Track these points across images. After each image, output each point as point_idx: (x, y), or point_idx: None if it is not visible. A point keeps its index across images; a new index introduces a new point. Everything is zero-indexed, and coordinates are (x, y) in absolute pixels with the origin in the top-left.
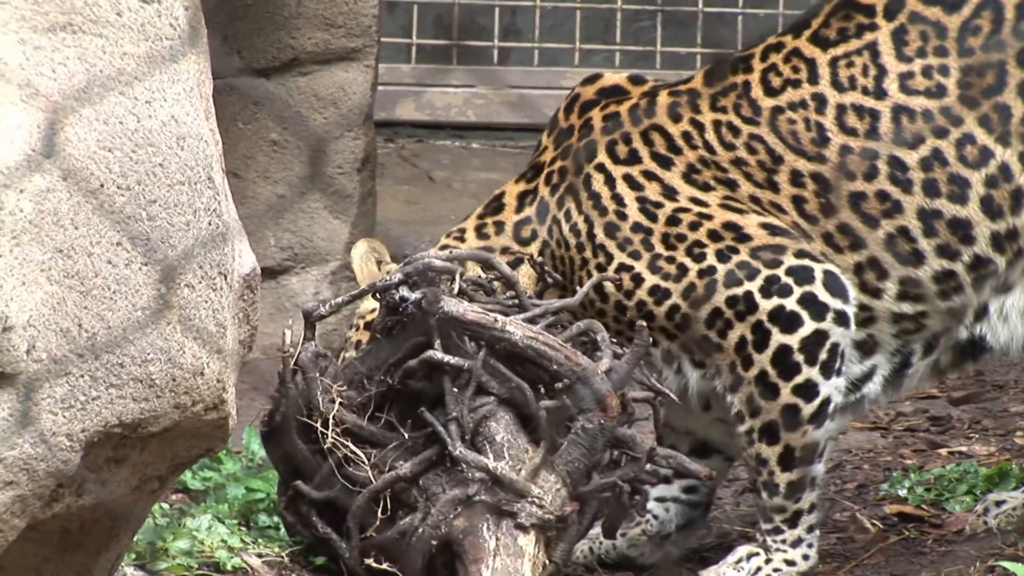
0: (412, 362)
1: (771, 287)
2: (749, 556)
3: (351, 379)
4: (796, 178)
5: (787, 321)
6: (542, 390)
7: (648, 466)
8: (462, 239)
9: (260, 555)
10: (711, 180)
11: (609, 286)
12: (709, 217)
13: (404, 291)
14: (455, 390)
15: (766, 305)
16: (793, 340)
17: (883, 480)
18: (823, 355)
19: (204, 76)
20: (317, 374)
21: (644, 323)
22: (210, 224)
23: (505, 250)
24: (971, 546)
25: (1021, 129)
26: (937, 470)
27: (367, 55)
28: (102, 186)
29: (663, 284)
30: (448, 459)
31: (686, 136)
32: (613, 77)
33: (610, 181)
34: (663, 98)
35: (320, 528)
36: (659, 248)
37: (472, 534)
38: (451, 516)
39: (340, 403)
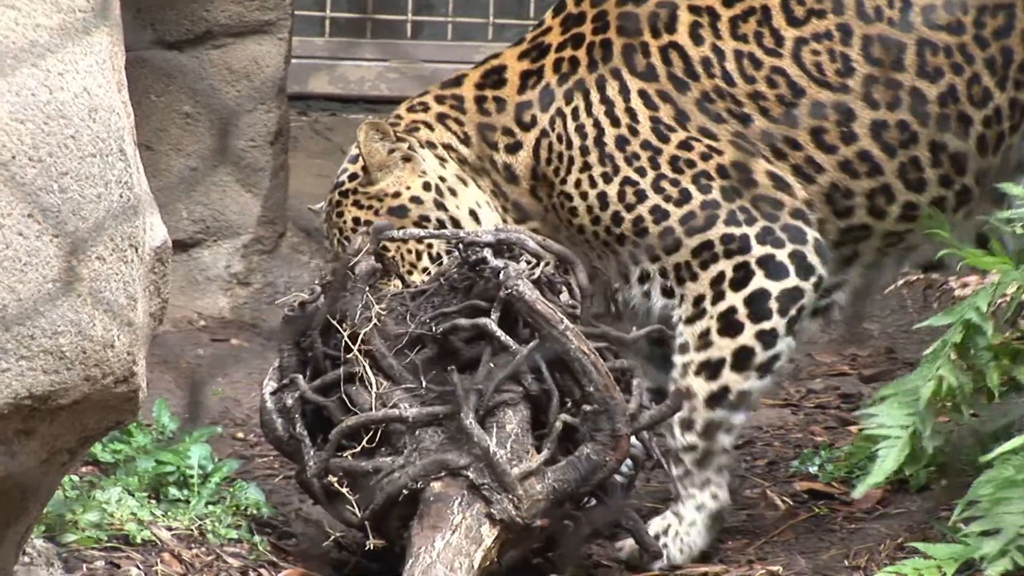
0: (464, 321)
1: (767, 236)
2: (665, 530)
3: (393, 308)
4: (818, 109)
5: (774, 269)
6: (568, 403)
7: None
8: (461, 108)
9: (170, 528)
10: (724, 112)
11: (612, 194)
12: (720, 152)
13: (489, 253)
14: (492, 365)
15: (758, 251)
16: (775, 288)
17: (793, 457)
18: (793, 311)
19: (117, 48)
20: (366, 288)
21: (684, 389)
22: (121, 196)
23: (506, 131)
24: (881, 524)
25: (1017, 75)
26: (847, 447)
27: (280, 28)
28: (13, 158)
29: (664, 205)
30: (454, 424)
31: (705, 63)
32: None
33: (625, 91)
34: (684, 14)
35: (298, 428)
36: (665, 169)
37: (442, 502)
38: (432, 476)
39: (375, 325)
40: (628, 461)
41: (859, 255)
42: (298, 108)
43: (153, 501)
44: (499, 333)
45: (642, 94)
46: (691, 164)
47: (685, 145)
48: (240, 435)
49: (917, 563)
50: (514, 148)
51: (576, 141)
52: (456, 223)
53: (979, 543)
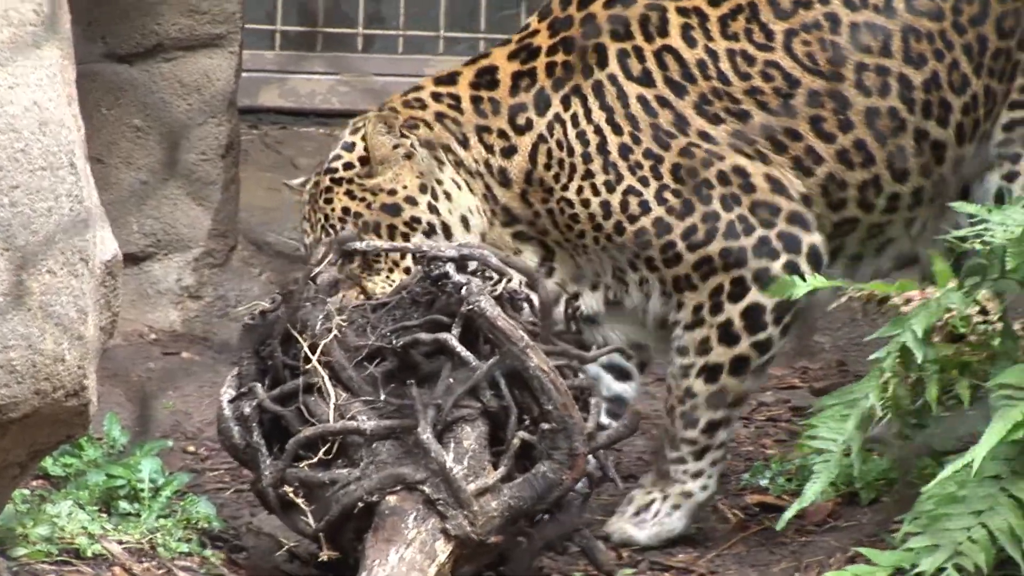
0: (425, 335)
1: (762, 248)
2: (648, 504)
3: (354, 320)
4: (814, 98)
5: (768, 282)
6: (526, 420)
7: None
8: (459, 108)
9: (120, 542)
10: (722, 112)
11: (615, 204)
12: (720, 157)
13: (451, 268)
14: (451, 380)
15: (754, 264)
16: (769, 301)
17: (744, 470)
18: (787, 319)
19: (67, 62)
20: (327, 300)
21: (640, 410)
22: (72, 210)
23: (501, 133)
24: (831, 537)
25: (991, 63)
26: (798, 460)
27: (231, 41)
28: None
29: (667, 218)
30: (411, 438)
31: (701, 65)
32: None
33: (623, 98)
34: (674, 17)
35: (255, 436)
36: (668, 179)
37: (397, 515)
38: (388, 490)
39: (335, 336)
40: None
41: (844, 248)
42: (249, 121)
43: (104, 515)
44: (459, 348)
45: (641, 100)
46: (693, 173)
47: (686, 152)
48: (191, 449)
49: (858, 569)
50: (509, 152)
51: (578, 148)
52: (447, 229)
53: (920, 556)
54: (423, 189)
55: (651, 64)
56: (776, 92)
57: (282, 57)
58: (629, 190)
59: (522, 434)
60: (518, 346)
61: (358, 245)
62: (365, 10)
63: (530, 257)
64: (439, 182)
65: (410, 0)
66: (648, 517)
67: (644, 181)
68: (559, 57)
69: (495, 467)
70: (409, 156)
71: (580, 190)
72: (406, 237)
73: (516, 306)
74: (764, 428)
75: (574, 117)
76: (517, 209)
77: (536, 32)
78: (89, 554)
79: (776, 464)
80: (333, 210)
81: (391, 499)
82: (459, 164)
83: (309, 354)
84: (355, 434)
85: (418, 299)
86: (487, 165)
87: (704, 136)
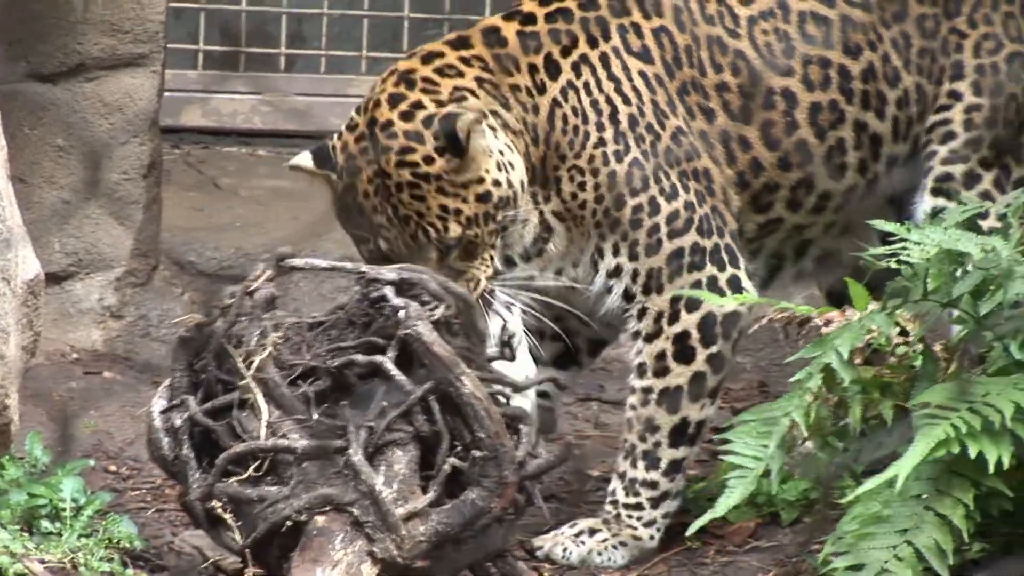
0: (360, 357)
1: (715, 255)
2: (592, 531)
3: (290, 337)
4: (769, 98)
5: (718, 292)
6: (458, 447)
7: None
8: (489, 70)
9: (43, 561)
10: (695, 107)
11: (621, 175)
12: (698, 154)
13: (390, 292)
14: (384, 403)
15: (708, 270)
16: (719, 312)
17: None
18: (734, 334)
19: None
20: (263, 316)
21: (572, 440)
22: None
23: (528, 90)
24: (753, 557)
25: (918, 61)
26: (719, 480)
27: (154, 61)
28: None
29: (657, 198)
30: (342, 460)
31: (688, 51)
32: None
33: (627, 71)
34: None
35: (186, 449)
36: (662, 159)
37: (325, 536)
38: (316, 510)
39: (270, 353)
40: None
41: (764, 248)
42: (171, 141)
43: (26, 534)
44: (394, 372)
45: (642, 75)
46: (679, 160)
47: (675, 138)
48: (113, 468)
49: None
50: (536, 110)
51: (592, 116)
52: (516, 198)
53: None
54: (499, 167)
55: (649, 42)
56: (739, 90)
57: (205, 77)
58: (634, 162)
59: (453, 460)
60: (453, 372)
61: (296, 262)
62: (287, 30)
63: (531, 230)
64: (501, 152)
65: (332, 20)
66: (588, 540)
67: (646, 155)
68: (560, 25)
69: (424, 492)
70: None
71: (592, 159)
72: (497, 219)
73: (452, 331)
74: None
75: (586, 85)
76: (539, 171)
77: (522, 3)
78: (11, 573)
79: (697, 484)
80: (429, 208)
81: (319, 519)
82: (506, 127)
83: (243, 369)
84: (286, 452)
85: (355, 320)
86: (524, 123)
87: (681, 130)
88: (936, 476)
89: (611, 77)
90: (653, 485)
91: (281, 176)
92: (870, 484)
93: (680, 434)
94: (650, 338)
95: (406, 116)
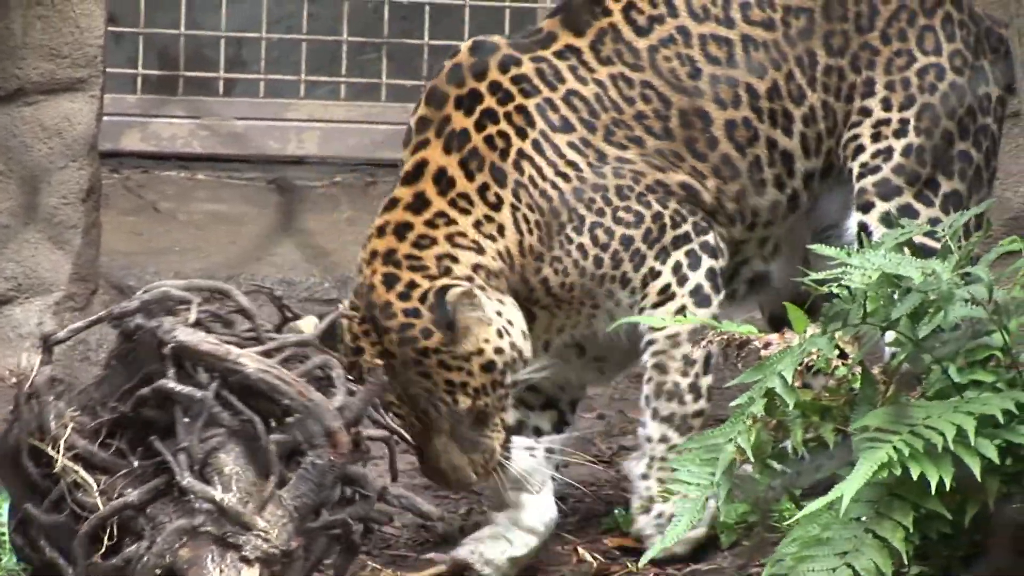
0: (145, 390)
1: (697, 227)
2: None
3: (85, 405)
4: (684, 117)
5: (714, 251)
6: (274, 424)
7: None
8: (452, 221)
9: None
10: (624, 140)
11: (587, 242)
12: (643, 174)
13: (140, 318)
14: (186, 420)
15: (697, 240)
16: (717, 265)
17: (605, 514)
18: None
19: None
20: (51, 398)
21: (380, 362)
22: None
23: (488, 218)
24: None
25: (823, 79)
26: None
27: (92, 85)
28: None
29: (627, 231)
30: (176, 489)
31: (598, 98)
32: (495, 40)
33: (556, 149)
34: (559, 63)
35: (48, 552)
36: (616, 201)
37: (196, 565)
38: (176, 546)
39: (72, 428)
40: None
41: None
42: (110, 165)
43: None
44: (178, 388)
45: (571, 145)
46: (631, 189)
47: (617, 172)
48: None
49: None
50: (501, 230)
51: (545, 206)
52: (522, 355)
53: None
54: (500, 333)
55: (565, 111)
56: (656, 114)
57: (144, 101)
58: (594, 224)
59: (274, 436)
60: (229, 360)
61: (61, 335)
62: (226, 54)
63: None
64: (499, 313)
65: (271, 44)
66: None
67: (601, 212)
68: (490, 128)
69: (266, 478)
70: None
71: (561, 244)
72: (505, 384)
73: (226, 321)
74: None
75: (531, 179)
76: (519, 289)
77: (447, 118)
78: None
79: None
80: (436, 384)
81: (183, 553)
82: (489, 277)
83: (55, 456)
84: (127, 509)
85: (126, 359)
86: (499, 254)
87: (621, 160)
88: (876, 499)
89: (549, 162)
90: (699, 414)
91: (220, 200)
92: (811, 507)
93: (708, 362)
94: (658, 305)
95: (403, 296)
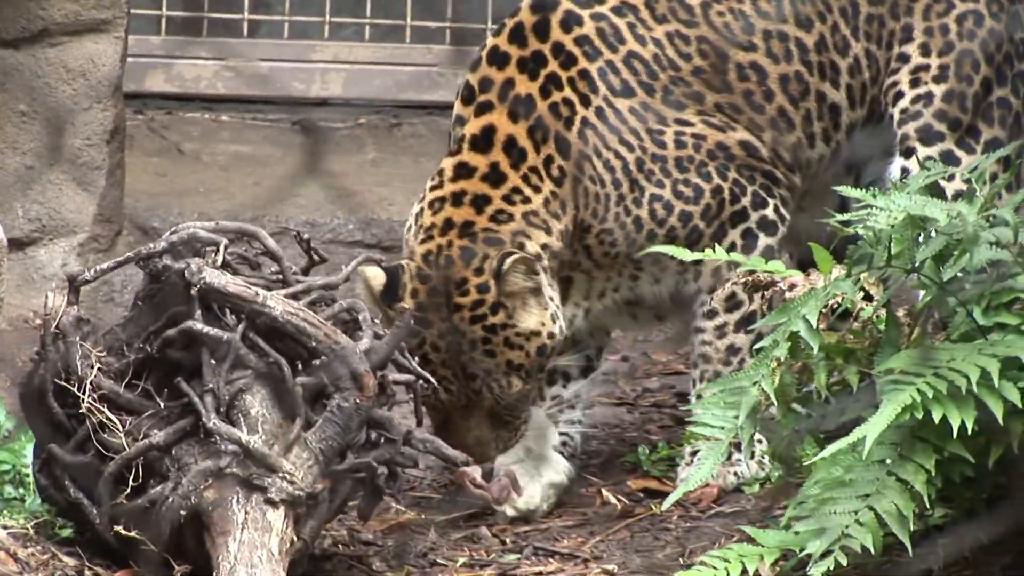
0: (171, 331)
1: (756, 199)
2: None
3: (111, 346)
4: (741, 71)
5: (771, 226)
6: (300, 366)
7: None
8: (526, 199)
9: (5, 526)
10: (683, 99)
11: (644, 216)
12: (703, 137)
13: (168, 260)
14: (213, 362)
15: (754, 216)
16: (773, 240)
17: (629, 455)
18: (783, 250)
19: None
20: (77, 338)
21: (407, 306)
22: None
23: (553, 194)
24: (716, 522)
25: (865, 27)
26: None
27: (117, 26)
28: None
29: (687, 208)
30: (202, 430)
31: (656, 59)
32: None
33: (619, 115)
34: (616, 19)
35: (72, 492)
36: (676, 173)
37: (221, 506)
38: (201, 487)
39: (98, 369)
40: None
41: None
42: (134, 107)
43: None
44: (205, 329)
45: (632, 111)
46: (691, 159)
47: (678, 142)
48: None
49: (743, 549)
50: (564, 206)
51: (607, 177)
52: (560, 345)
53: (806, 541)
54: (553, 319)
55: (626, 74)
56: (713, 68)
57: (168, 42)
58: (653, 198)
59: (300, 379)
60: (257, 302)
61: (85, 275)
62: None
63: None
64: (551, 299)
65: None
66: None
67: (660, 184)
68: (555, 95)
69: (292, 421)
70: (537, 291)
71: (617, 216)
72: (545, 368)
73: (252, 264)
74: (649, 414)
75: (596, 149)
76: (565, 257)
77: (512, 80)
78: None
79: (661, 450)
80: (498, 365)
81: (208, 494)
82: (552, 256)
83: (81, 396)
84: (152, 451)
85: (153, 300)
86: (561, 235)
87: (681, 123)
88: (899, 441)
89: (612, 130)
90: None
91: (244, 141)
92: (833, 448)
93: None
94: (713, 288)
95: (478, 272)
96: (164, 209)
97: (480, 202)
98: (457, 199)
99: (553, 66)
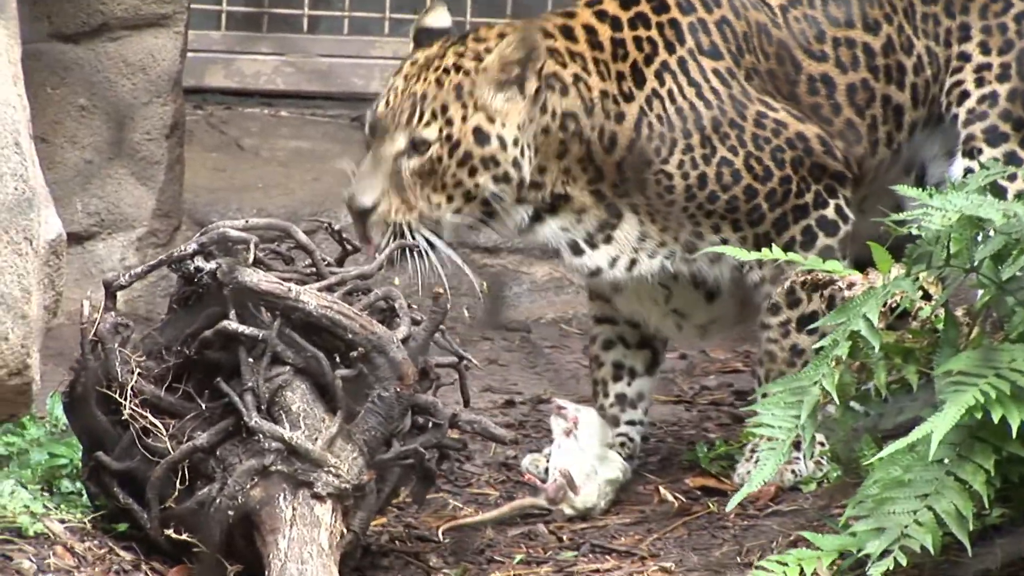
0: (208, 332)
1: (818, 199)
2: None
3: (150, 350)
4: (811, 83)
5: (831, 226)
6: (338, 359)
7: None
8: (587, 71)
9: (63, 521)
10: (758, 88)
11: (711, 175)
12: (784, 124)
13: (200, 261)
14: (250, 360)
15: (815, 214)
16: (833, 240)
17: (687, 453)
18: (846, 250)
19: (12, 41)
20: (116, 344)
21: (441, 291)
22: (16, 189)
23: (614, 98)
24: (774, 521)
25: (923, 26)
26: (741, 446)
27: (177, 21)
28: None
29: (753, 184)
30: (244, 429)
31: (746, 38)
32: None
33: (703, 72)
34: None
35: (122, 498)
36: (751, 147)
37: (269, 504)
38: (248, 486)
39: (139, 374)
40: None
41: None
42: (194, 102)
43: (46, 494)
44: (241, 328)
45: (716, 73)
46: (768, 140)
47: (758, 122)
48: None
49: (801, 553)
50: (619, 118)
51: (677, 123)
52: (515, 177)
53: (865, 540)
54: (515, 143)
55: (716, 37)
56: (786, 78)
57: (228, 38)
58: (723, 161)
59: (340, 372)
60: (290, 298)
61: (121, 280)
62: None
63: (594, 215)
64: (528, 144)
65: None
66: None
67: (734, 151)
68: (642, 32)
69: (334, 414)
70: (518, 83)
71: (680, 164)
72: (476, 174)
73: (286, 258)
74: (707, 412)
75: (670, 93)
76: (609, 172)
77: (603, 1)
78: (31, 533)
79: (719, 447)
80: (432, 97)
81: (255, 493)
82: (576, 132)
83: (123, 402)
84: (196, 453)
85: (188, 303)
86: (600, 131)
87: (765, 104)
88: (958, 441)
89: (691, 82)
90: None
91: (303, 137)
92: (892, 448)
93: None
94: (775, 280)
95: (502, 36)
96: (223, 204)
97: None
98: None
99: (644, 7)
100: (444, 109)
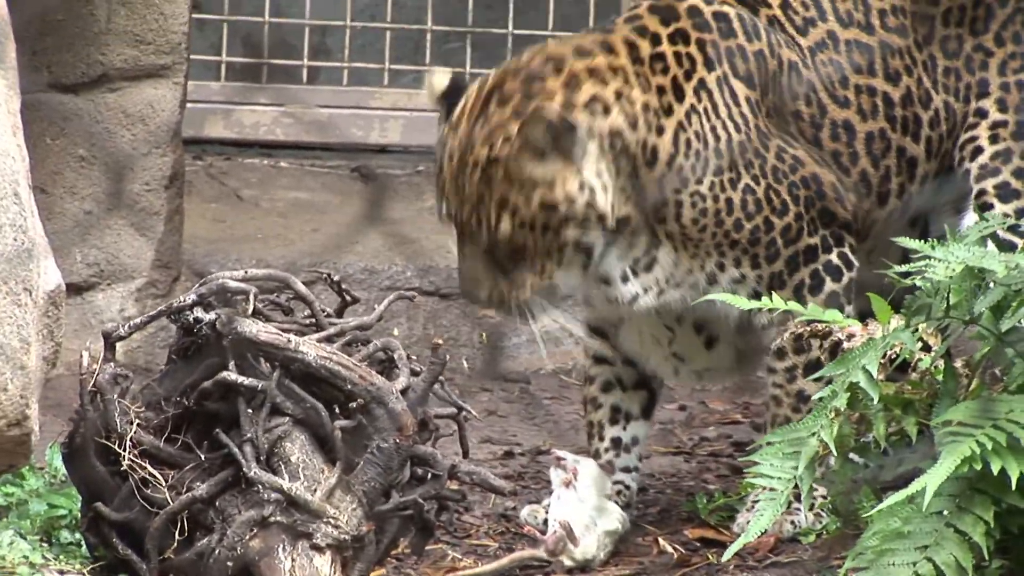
0: (207, 383)
1: (825, 243)
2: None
3: (149, 401)
4: (834, 129)
5: (835, 272)
6: (338, 410)
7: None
8: (628, 83)
9: (62, 572)
10: (774, 128)
11: (737, 201)
12: (802, 163)
13: (199, 312)
14: (249, 411)
15: (823, 258)
16: (838, 286)
17: (686, 504)
18: (851, 297)
19: (12, 92)
20: (115, 395)
21: (441, 342)
22: (15, 240)
23: (655, 112)
24: (773, 572)
25: (943, 80)
26: (740, 497)
27: (176, 72)
28: None
29: (771, 217)
30: (243, 480)
31: (775, 77)
32: None
33: (735, 96)
34: (757, 20)
35: (121, 549)
36: (771, 179)
37: (268, 555)
38: (247, 537)
39: (138, 424)
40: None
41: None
42: (193, 152)
43: (45, 544)
44: (240, 379)
45: (747, 100)
46: (785, 175)
47: (779, 156)
48: None
49: None
50: (660, 131)
51: (711, 142)
52: (599, 220)
53: None
54: (580, 186)
55: (752, 66)
56: (811, 120)
57: (227, 88)
58: (747, 188)
59: (339, 423)
60: (289, 349)
61: (120, 331)
62: (310, 42)
63: (643, 240)
64: (597, 175)
65: (355, 32)
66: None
67: (756, 180)
68: (681, 48)
69: (333, 465)
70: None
71: (712, 185)
72: (560, 235)
73: (285, 309)
74: (706, 463)
75: (706, 111)
76: (652, 192)
77: (642, 17)
78: None
79: (719, 499)
80: (491, 195)
81: (254, 544)
82: (623, 151)
83: (122, 453)
84: (196, 503)
85: (187, 354)
86: (643, 145)
87: (786, 140)
88: (957, 493)
89: (725, 103)
90: None
91: (303, 188)
92: (892, 500)
93: None
94: (783, 323)
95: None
96: (222, 255)
97: (583, 54)
98: (564, 42)
99: (685, 23)
100: (504, 202)
